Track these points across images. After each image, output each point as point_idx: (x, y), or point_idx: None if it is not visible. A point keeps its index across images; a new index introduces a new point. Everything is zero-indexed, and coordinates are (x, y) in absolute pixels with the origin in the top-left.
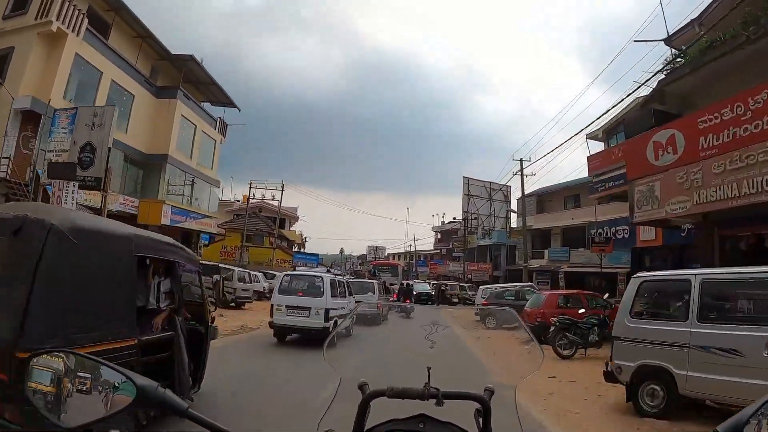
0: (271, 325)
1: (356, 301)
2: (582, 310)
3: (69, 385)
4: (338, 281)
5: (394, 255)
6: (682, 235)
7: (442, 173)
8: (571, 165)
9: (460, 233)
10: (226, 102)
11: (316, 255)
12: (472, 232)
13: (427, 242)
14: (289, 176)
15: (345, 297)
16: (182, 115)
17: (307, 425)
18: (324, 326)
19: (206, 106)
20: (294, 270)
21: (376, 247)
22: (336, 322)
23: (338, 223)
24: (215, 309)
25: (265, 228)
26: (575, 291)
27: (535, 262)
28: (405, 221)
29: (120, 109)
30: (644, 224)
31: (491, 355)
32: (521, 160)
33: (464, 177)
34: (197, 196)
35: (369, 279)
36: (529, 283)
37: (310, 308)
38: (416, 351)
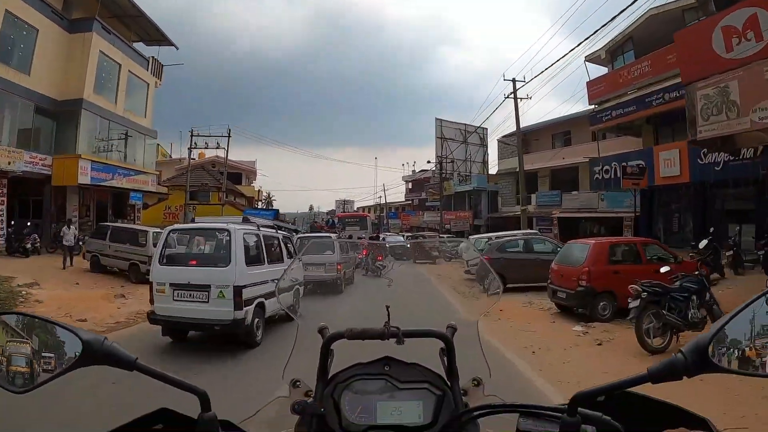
0: (152, 317)
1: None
2: (665, 269)
3: (15, 346)
4: (262, 237)
5: (363, 208)
6: (717, 169)
7: (410, 127)
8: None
9: (434, 180)
10: (160, 39)
11: (273, 210)
12: (447, 178)
13: (397, 194)
14: (253, 136)
15: (278, 262)
16: (101, 52)
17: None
18: (234, 318)
19: (140, 47)
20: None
21: (345, 201)
22: (259, 306)
23: (306, 179)
24: None
25: (213, 182)
26: (627, 238)
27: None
28: (374, 172)
29: (20, 47)
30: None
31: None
32: (514, 80)
33: (437, 119)
34: (127, 150)
35: (327, 233)
36: (533, 231)
37: (209, 287)
38: (373, 291)
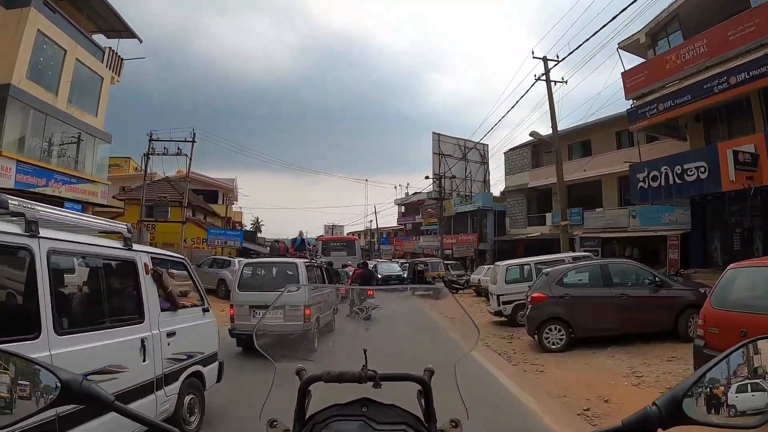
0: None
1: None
2: None
3: None
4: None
5: (353, 233)
6: None
7: (401, 153)
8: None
9: (431, 202)
10: (121, 30)
11: (239, 230)
12: (444, 198)
13: (389, 218)
14: (243, 164)
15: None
16: (40, 31)
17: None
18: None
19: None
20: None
21: (334, 226)
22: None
23: (296, 206)
24: None
25: (176, 197)
26: None
27: (534, 230)
28: (365, 194)
29: None
30: None
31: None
32: (545, 59)
33: (434, 133)
34: (71, 153)
35: (289, 259)
36: (584, 253)
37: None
38: (352, 334)
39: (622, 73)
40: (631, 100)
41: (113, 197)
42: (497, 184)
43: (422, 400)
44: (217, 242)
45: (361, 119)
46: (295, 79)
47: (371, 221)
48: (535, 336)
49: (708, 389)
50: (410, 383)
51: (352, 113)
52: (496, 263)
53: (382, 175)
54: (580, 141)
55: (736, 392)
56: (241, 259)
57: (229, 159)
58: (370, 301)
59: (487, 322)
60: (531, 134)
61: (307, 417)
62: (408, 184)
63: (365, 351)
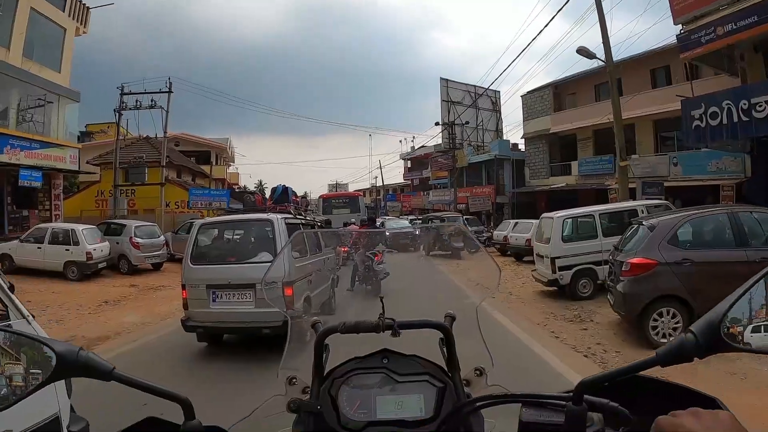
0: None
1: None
2: None
3: None
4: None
5: (358, 191)
6: None
7: (403, 112)
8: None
9: (439, 151)
10: None
11: (226, 190)
12: (456, 147)
13: (395, 175)
14: (241, 127)
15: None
16: None
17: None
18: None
19: None
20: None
21: (337, 184)
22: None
23: (298, 168)
24: None
25: (155, 157)
26: None
27: (557, 180)
28: (368, 150)
29: None
30: None
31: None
32: None
33: (442, 78)
34: (30, 114)
35: (261, 215)
36: (660, 200)
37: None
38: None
39: None
40: (680, 26)
41: (87, 162)
42: (511, 133)
43: (444, 348)
44: (201, 204)
45: (360, 78)
46: (289, 41)
47: (376, 177)
48: (635, 322)
49: (743, 314)
50: (431, 331)
51: (351, 72)
52: (544, 215)
53: (385, 136)
54: (608, 81)
55: None
56: (197, 219)
57: (226, 125)
58: (380, 266)
59: (534, 294)
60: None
61: (326, 372)
62: (414, 137)
63: (382, 299)
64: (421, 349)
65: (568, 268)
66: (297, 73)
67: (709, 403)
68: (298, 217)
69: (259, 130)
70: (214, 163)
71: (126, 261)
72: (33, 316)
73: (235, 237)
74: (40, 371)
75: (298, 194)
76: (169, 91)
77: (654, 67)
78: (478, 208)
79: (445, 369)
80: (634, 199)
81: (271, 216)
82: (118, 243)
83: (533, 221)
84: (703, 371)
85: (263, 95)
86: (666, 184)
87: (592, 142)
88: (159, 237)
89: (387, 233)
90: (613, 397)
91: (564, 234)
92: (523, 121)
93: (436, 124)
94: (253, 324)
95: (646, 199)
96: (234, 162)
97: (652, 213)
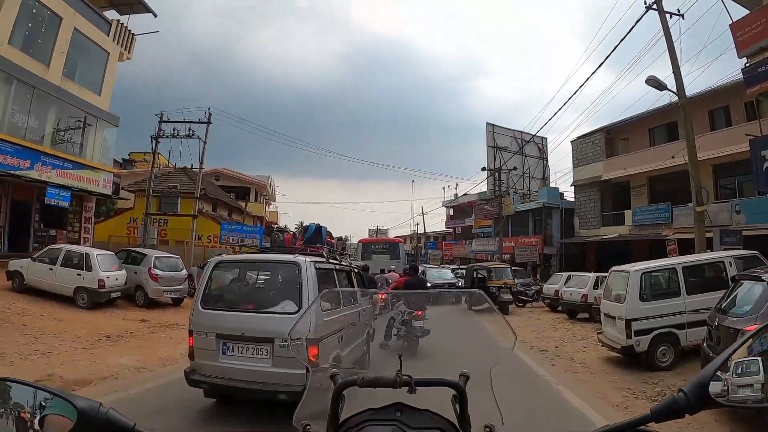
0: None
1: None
2: None
3: (6, 416)
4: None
5: (398, 237)
6: None
7: (447, 160)
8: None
9: (483, 200)
10: (133, 3)
11: (259, 227)
12: (501, 194)
13: (436, 223)
14: (285, 169)
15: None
16: None
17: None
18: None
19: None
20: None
21: (378, 229)
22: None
23: (341, 213)
24: None
25: (190, 188)
26: None
27: (609, 231)
28: (411, 195)
29: None
30: None
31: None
32: None
33: (488, 123)
34: (70, 136)
35: (288, 257)
36: (749, 252)
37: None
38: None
39: (730, 25)
40: (744, 59)
41: (122, 188)
42: (558, 182)
43: (457, 406)
44: (233, 239)
45: (405, 126)
46: (337, 86)
47: (418, 224)
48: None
49: (733, 373)
50: (445, 388)
51: (396, 120)
52: (615, 269)
53: (427, 182)
54: (663, 124)
55: (758, 373)
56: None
57: (269, 164)
58: (418, 323)
59: (601, 361)
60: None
61: (340, 421)
62: (457, 184)
63: (400, 356)
64: (434, 404)
65: (647, 332)
66: (344, 117)
67: None
68: (332, 261)
69: (302, 172)
70: (253, 200)
71: (143, 293)
72: None
73: (255, 280)
74: (60, 426)
75: (335, 236)
76: (208, 122)
77: (712, 107)
78: (525, 258)
79: (457, 425)
80: (711, 248)
81: (299, 258)
82: (136, 273)
83: (589, 274)
84: None
85: (309, 138)
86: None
87: (646, 190)
88: (181, 270)
89: (431, 295)
90: None
91: (642, 293)
92: (573, 167)
93: (483, 169)
94: (268, 387)
95: (725, 249)
96: (275, 201)
97: (739, 265)
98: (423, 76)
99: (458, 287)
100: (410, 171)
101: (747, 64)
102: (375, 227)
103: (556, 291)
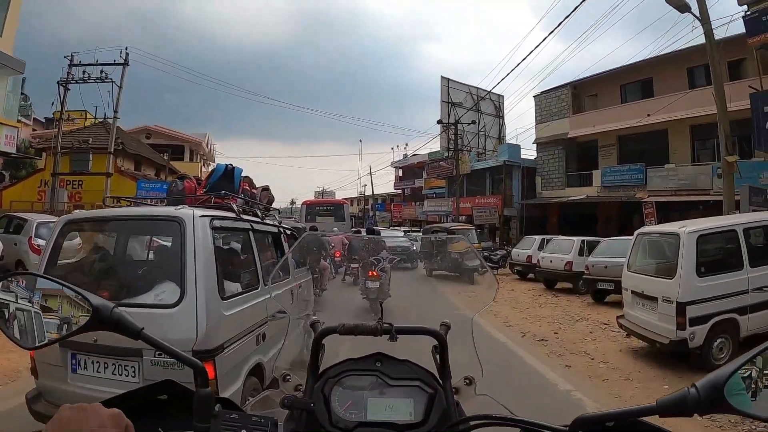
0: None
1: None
2: None
3: (27, 304)
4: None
5: (346, 199)
6: None
7: (395, 122)
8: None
9: (434, 160)
10: None
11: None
12: (457, 150)
13: (384, 186)
14: (233, 132)
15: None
16: None
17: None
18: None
19: None
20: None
21: (324, 191)
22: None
23: (286, 175)
24: None
25: (104, 142)
26: None
27: (574, 192)
28: (358, 156)
29: None
30: None
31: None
32: None
33: (443, 77)
34: None
35: (165, 214)
36: None
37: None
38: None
39: None
40: (744, 6)
41: (32, 147)
42: (516, 140)
43: (437, 356)
44: (151, 201)
45: (352, 88)
46: (282, 48)
47: (365, 185)
48: None
49: (750, 377)
50: (425, 338)
51: (343, 82)
52: (643, 230)
53: (376, 144)
54: (637, 80)
55: None
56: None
57: (218, 126)
58: (374, 285)
59: (626, 355)
60: (537, 96)
61: (320, 371)
62: (406, 144)
63: (381, 303)
64: (414, 355)
65: (704, 319)
66: (291, 76)
67: None
68: (248, 217)
69: (248, 135)
70: (188, 159)
71: (24, 269)
72: None
73: (119, 250)
74: (75, 319)
75: (263, 188)
76: (125, 63)
77: (691, 65)
78: (484, 220)
79: (437, 376)
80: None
81: (183, 213)
82: (16, 244)
83: (573, 238)
84: None
85: (252, 102)
86: (707, 197)
87: (616, 149)
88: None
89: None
90: None
91: (700, 266)
92: (536, 124)
93: (438, 122)
94: None
95: (753, 210)
96: (214, 162)
97: None
98: (372, 36)
99: (413, 253)
100: (359, 121)
101: (748, 12)
102: (321, 188)
103: (529, 257)
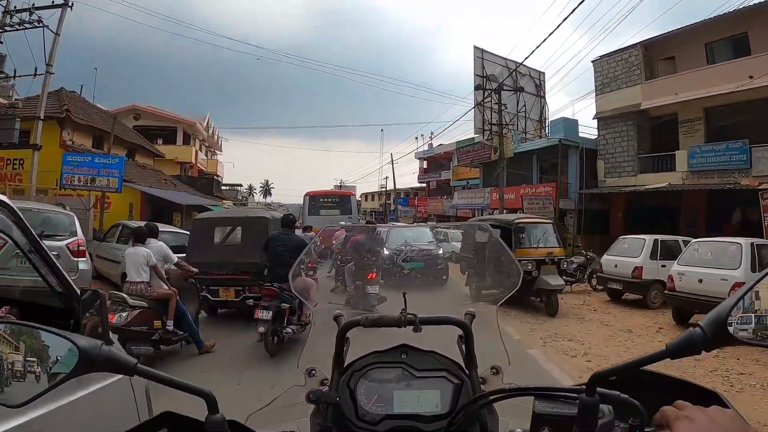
0: None
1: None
2: None
3: (6, 356)
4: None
5: (366, 195)
6: None
7: (419, 117)
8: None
9: (462, 144)
10: None
11: (120, 156)
12: (501, 125)
13: (406, 175)
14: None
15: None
16: None
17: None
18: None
19: None
20: None
21: (342, 185)
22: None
23: (308, 172)
24: None
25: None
26: None
27: (650, 180)
28: (380, 146)
29: None
30: None
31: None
32: None
33: (476, 47)
34: None
35: None
36: None
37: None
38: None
39: None
40: None
41: None
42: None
43: (463, 346)
44: (78, 179)
45: (373, 84)
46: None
47: (386, 177)
48: None
49: (750, 308)
50: (450, 328)
51: (366, 79)
52: None
53: (398, 139)
54: (727, 37)
55: None
56: None
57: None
58: (373, 290)
59: None
60: (595, 61)
61: (345, 365)
62: (432, 134)
63: (404, 294)
64: (439, 346)
65: None
66: (309, 75)
67: (711, 396)
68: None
69: (267, 134)
70: (181, 143)
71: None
72: None
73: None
74: (62, 365)
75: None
76: (65, 4)
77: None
78: (539, 210)
79: (463, 366)
80: None
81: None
82: None
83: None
84: None
85: (271, 97)
86: None
87: (702, 125)
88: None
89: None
90: (621, 390)
91: None
92: (596, 95)
93: (477, 88)
94: None
95: None
96: (221, 151)
97: None
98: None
99: (439, 257)
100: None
101: None
102: (340, 182)
103: (638, 268)
